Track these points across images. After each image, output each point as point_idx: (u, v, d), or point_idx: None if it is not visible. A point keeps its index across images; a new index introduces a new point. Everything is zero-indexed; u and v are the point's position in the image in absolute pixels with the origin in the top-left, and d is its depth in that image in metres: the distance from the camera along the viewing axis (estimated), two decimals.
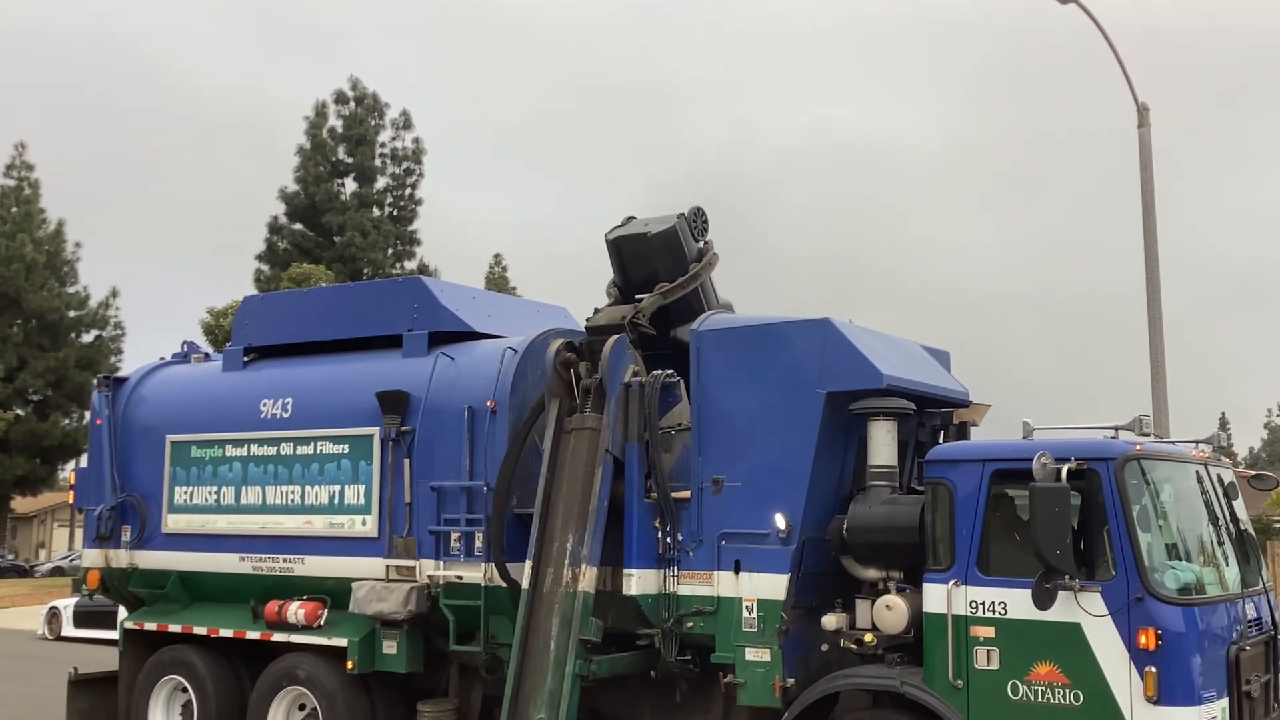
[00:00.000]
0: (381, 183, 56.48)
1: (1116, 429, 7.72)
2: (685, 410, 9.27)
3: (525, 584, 8.98)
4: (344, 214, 53.36)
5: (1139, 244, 19.14)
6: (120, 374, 12.14)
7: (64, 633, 25.19)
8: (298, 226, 54.24)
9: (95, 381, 12.11)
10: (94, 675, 11.72)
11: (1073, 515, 7.18)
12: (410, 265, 54.28)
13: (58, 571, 47.87)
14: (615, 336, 9.50)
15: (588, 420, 9.11)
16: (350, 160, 55.47)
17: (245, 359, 11.46)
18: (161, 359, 12.36)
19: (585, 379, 9.41)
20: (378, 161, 56.15)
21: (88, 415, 52.54)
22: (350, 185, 55.57)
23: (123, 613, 23.34)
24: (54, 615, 25.88)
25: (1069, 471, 7.15)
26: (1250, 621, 7.74)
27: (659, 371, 9.31)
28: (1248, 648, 7.54)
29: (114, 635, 22.77)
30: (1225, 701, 7.17)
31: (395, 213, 56.72)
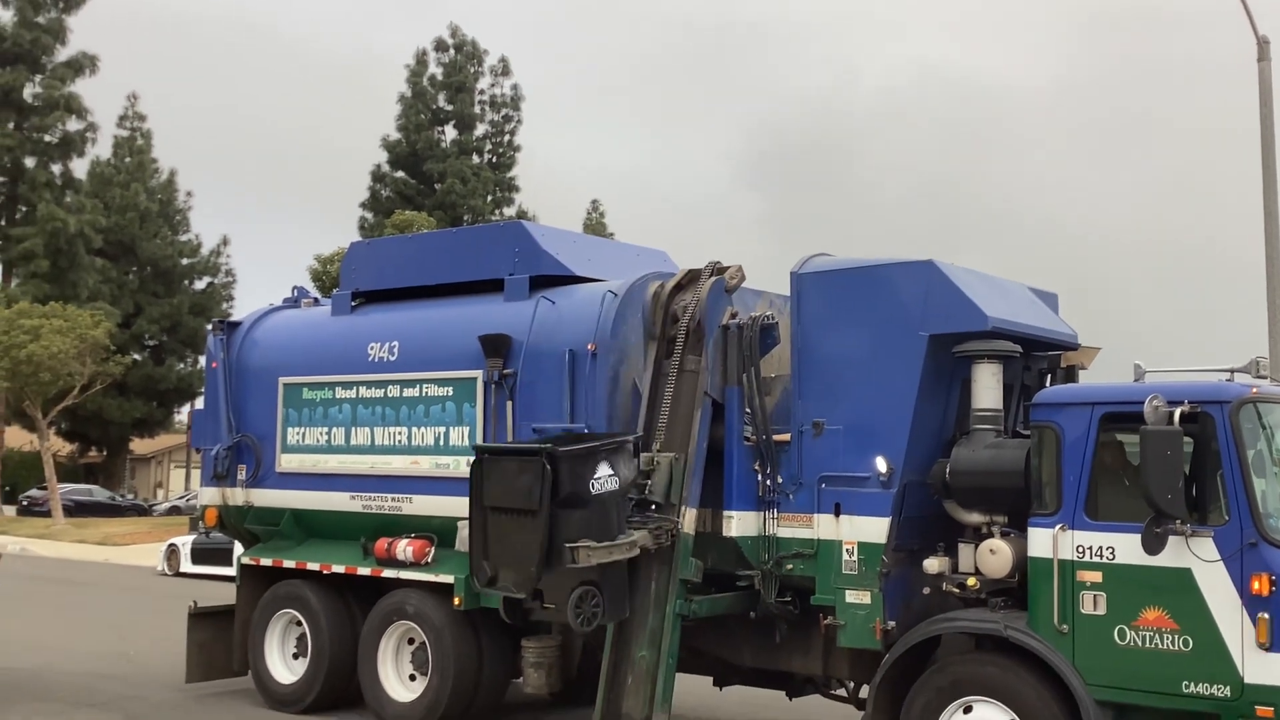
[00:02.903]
0: (481, 130, 56.93)
1: (1232, 371, 7.52)
2: (785, 353, 9.25)
3: None
4: (444, 161, 53.94)
5: (1257, 183, 18.49)
6: (234, 319, 12.47)
7: (182, 569, 26.03)
8: (400, 174, 55.00)
9: (210, 326, 12.47)
10: (212, 609, 12.13)
11: (1184, 459, 7.04)
12: (509, 212, 54.76)
13: (174, 511, 49.47)
14: (712, 279, 9.49)
15: (686, 362, 9.14)
16: (450, 108, 55.98)
17: (353, 303, 11.69)
18: (272, 304, 12.66)
19: (683, 321, 9.42)
20: (477, 108, 56.60)
21: (202, 360, 54.25)
22: (450, 132, 56.15)
23: (238, 549, 24.32)
24: (173, 552, 26.74)
25: (1182, 415, 7.00)
26: None
27: (758, 314, 9.29)
28: None
29: (229, 571, 23.78)
30: None
31: (494, 160, 57.18)
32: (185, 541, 26.57)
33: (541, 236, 10.71)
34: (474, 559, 7.91)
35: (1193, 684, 6.98)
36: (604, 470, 7.87)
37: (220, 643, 11.90)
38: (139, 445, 63.44)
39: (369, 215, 53.67)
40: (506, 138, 57.86)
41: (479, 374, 10.24)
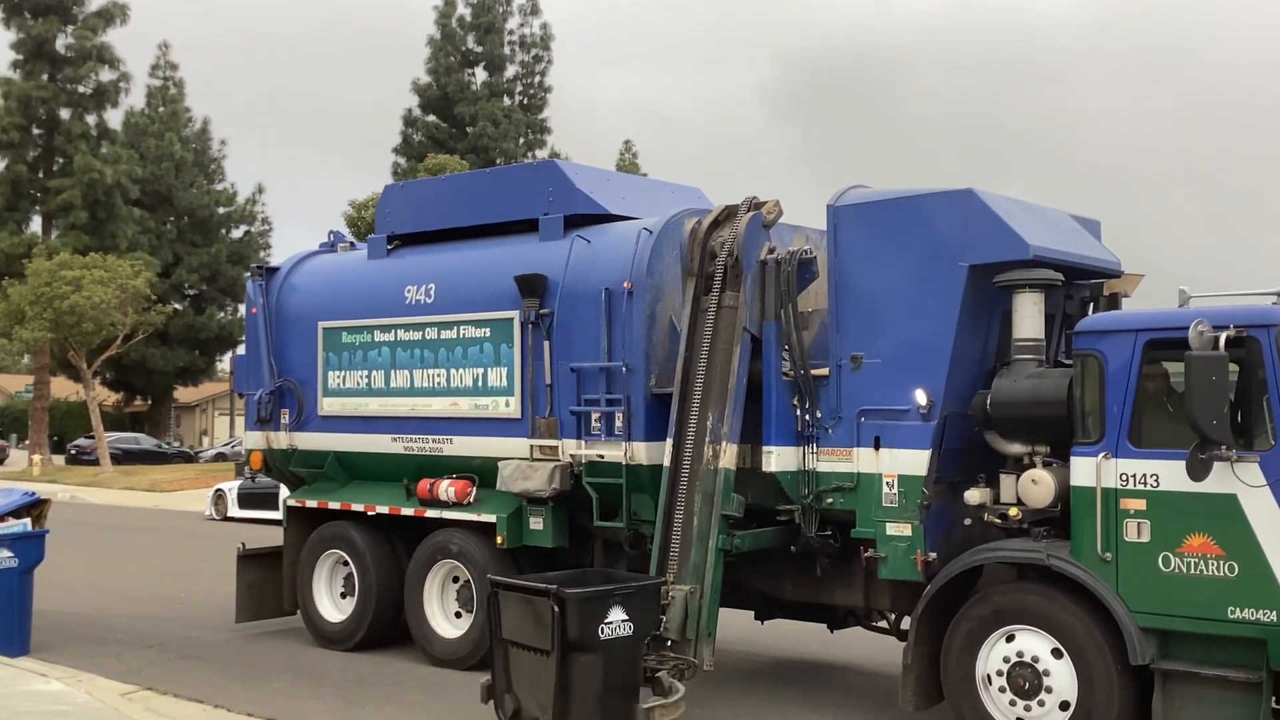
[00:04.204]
0: (511, 71, 56.60)
1: (1278, 294, 7.40)
2: (823, 287, 9.19)
3: (666, 461, 9.11)
4: (475, 104, 53.75)
5: None
6: (272, 265, 12.53)
7: (229, 514, 26.42)
8: (431, 118, 54.87)
9: (249, 271, 12.55)
10: (260, 550, 12.31)
11: (1230, 384, 6.95)
12: (541, 154, 54.54)
13: (220, 457, 50.20)
14: (749, 214, 9.42)
15: (725, 298, 9.10)
16: (479, 49, 55.64)
17: (389, 247, 11.71)
18: (310, 250, 12.70)
19: (721, 256, 9.38)
20: (506, 49, 56.23)
21: (242, 308, 54.72)
22: (480, 75, 55.85)
23: (284, 493, 24.65)
24: (220, 497, 27.12)
25: (1227, 339, 6.91)
26: None
27: (795, 248, 9.23)
28: None
29: (276, 515, 24.26)
30: None
31: (525, 101, 56.89)
32: (231, 487, 26.91)
33: (575, 175, 10.66)
34: (497, 692, 7.83)
35: (1238, 609, 6.95)
36: (617, 615, 7.64)
37: (269, 583, 12.11)
38: (183, 394, 64.26)
39: (402, 160, 53.67)
40: (537, 79, 57.53)
41: (515, 314, 10.25)
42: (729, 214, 9.59)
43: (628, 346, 9.62)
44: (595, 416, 9.79)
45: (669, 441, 9.13)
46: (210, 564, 17.29)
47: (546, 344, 10.09)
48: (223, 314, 57.29)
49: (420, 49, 55.68)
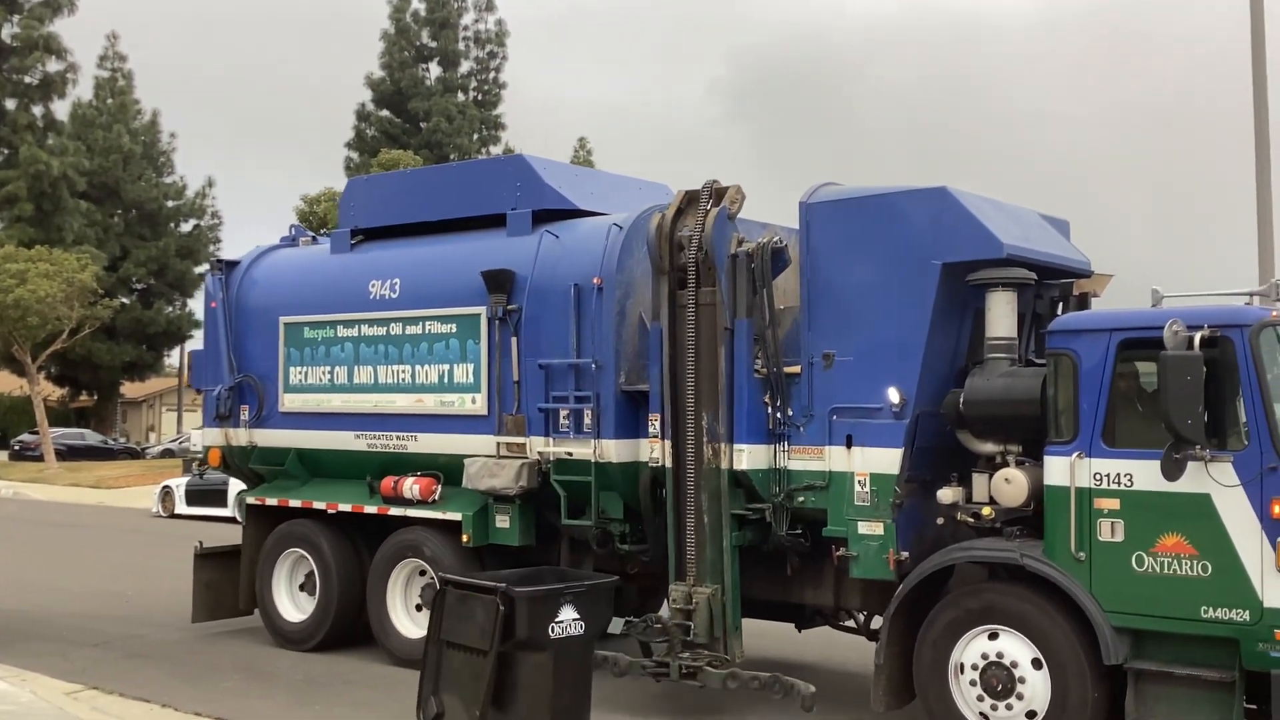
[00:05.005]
0: (465, 66, 56.32)
1: (1251, 295, 7.44)
2: (794, 285, 9.13)
3: (668, 463, 9.03)
4: (429, 99, 53.41)
5: (1249, 111, 18.26)
6: (232, 258, 12.31)
7: (176, 510, 26.15)
8: (385, 113, 54.46)
9: (209, 264, 12.32)
10: (218, 549, 12.09)
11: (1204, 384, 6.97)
12: (495, 150, 54.28)
13: (167, 454, 49.51)
14: (715, 209, 9.31)
15: (702, 295, 9.01)
16: (434, 44, 55.30)
17: (352, 241, 11.54)
18: (270, 244, 12.49)
19: (690, 251, 9.26)
20: (461, 45, 55.92)
21: (191, 303, 53.86)
22: (435, 70, 55.50)
23: (233, 490, 24.36)
24: (167, 494, 26.86)
25: (1201, 339, 6.94)
26: None
27: (765, 238, 9.11)
28: None
29: (224, 512, 24.13)
30: None
31: (480, 97, 56.62)
32: (179, 483, 26.71)
33: (544, 170, 10.56)
34: (422, 694, 7.73)
35: (1211, 609, 6.97)
36: (568, 614, 7.52)
37: (226, 582, 11.90)
38: (130, 389, 63.30)
39: (355, 155, 53.20)
40: (491, 74, 57.29)
41: (482, 310, 10.13)
42: (690, 200, 9.40)
43: (597, 343, 9.53)
44: (564, 413, 9.69)
45: (666, 442, 9.04)
46: (158, 561, 17.06)
47: (514, 340, 9.98)
48: (171, 309, 56.46)
49: (374, 43, 55.19)
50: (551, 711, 7.43)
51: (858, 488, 8.45)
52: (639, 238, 9.56)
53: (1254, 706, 7.09)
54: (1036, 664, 7.51)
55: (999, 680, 7.65)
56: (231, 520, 24.28)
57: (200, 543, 12.11)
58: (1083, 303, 9.01)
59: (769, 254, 8.91)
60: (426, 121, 53.38)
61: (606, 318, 9.49)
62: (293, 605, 11.40)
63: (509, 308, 9.99)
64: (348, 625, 11.03)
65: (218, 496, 24.93)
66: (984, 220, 8.18)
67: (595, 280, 9.53)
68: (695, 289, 9.03)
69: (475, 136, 54.90)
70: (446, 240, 10.83)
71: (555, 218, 10.28)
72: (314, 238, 12.50)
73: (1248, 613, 6.87)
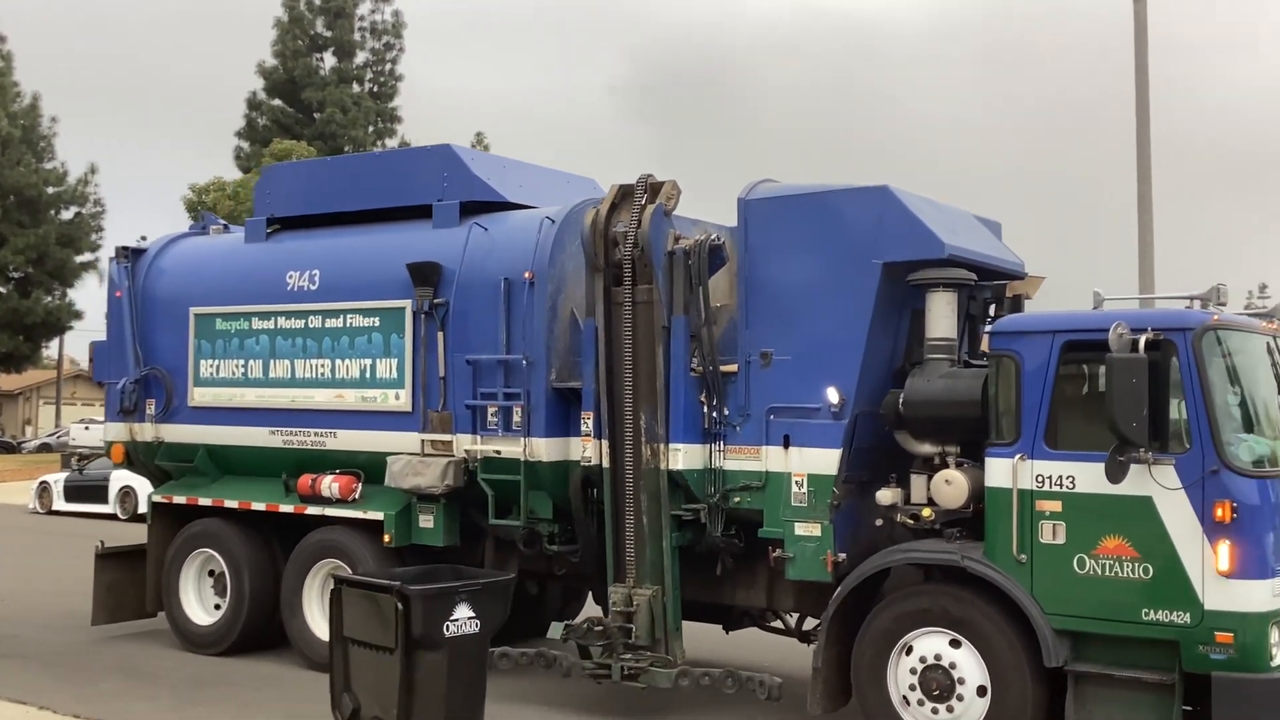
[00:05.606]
0: (361, 58, 55.25)
1: (1192, 298, 7.52)
2: (730, 283, 9.02)
3: (606, 463, 8.85)
4: (323, 90, 52.30)
5: (1132, 123, 18.67)
6: (138, 245, 11.78)
7: (55, 507, 25.47)
8: (277, 102, 53.21)
9: (114, 252, 11.77)
10: (121, 549, 11.61)
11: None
12: (391, 143, 53.38)
13: (45, 448, 47.85)
14: (652, 205, 9.15)
15: (639, 293, 8.84)
16: (329, 34, 54.17)
17: (268, 230, 11.14)
18: (171, 233, 12.02)
19: (626, 248, 9.09)
20: (357, 35, 54.89)
21: (70, 293, 51.88)
22: (329, 60, 54.40)
23: (114, 487, 23.58)
24: (44, 490, 26.20)
25: (1146, 342, 6.97)
26: None
27: (703, 235, 8.98)
28: None
29: (105, 509, 23.47)
30: None
31: (375, 89, 55.62)
32: (58, 479, 26.14)
33: (472, 161, 10.33)
34: (335, 691, 7.56)
35: (1153, 611, 7.02)
36: (463, 612, 7.42)
37: (128, 583, 11.43)
38: (5, 381, 60.91)
39: (245, 145, 51.88)
40: (388, 66, 56.31)
41: (408, 304, 9.85)
42: (625, 195, 9.22)
43: (528, 339, 9.31)
44: (492, 410, 9.45)
45: (604, 441, 8.85)
46: (35, 559, 16.39)
47: (440, 335, 9.71)
48: (50, 299, 54.29)
49: (266, 30, 53.88)
50: (446, 710, 7.36)
51: (795, 488, 8.37)
52: (572, 232, 9.36)
53: (1190, 708, 7.16)
54: (976, 666, 7.50)
55: (938, 683, 7.62)
56: (112, 517, 23.66)
57: (101, 542, 11.62)
58: (1016, 304, 9.03)
59: (707, 251, 8.79)
60: (320, 112, 52.30)
61: (538, 313, 9.28)
62: (202, 608, 10.99)
63: (435, 301, 9.72)
64: (261, 628, 10.64)
65: (98, 493, 24.44)
66: (925, 220, 8.16)
67: (527, 274, 9.31)
68: (632, 286, 8.86)
69: (370, 129, 53.93)
70: (369, 231, 10.50)
71: (483, 210, 10.04)
72: (226, 226, 12.04)
73: (1188, 615, 6.93)
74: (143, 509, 24.22)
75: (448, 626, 7.32)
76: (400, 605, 7.19)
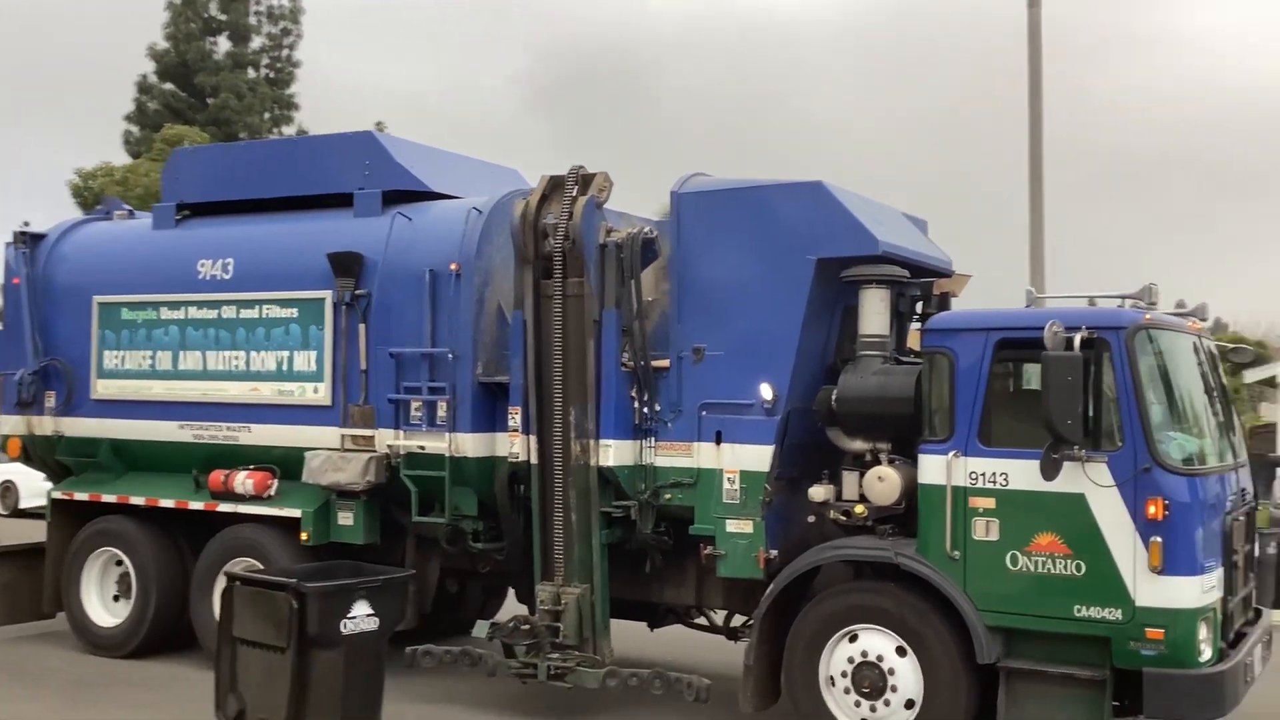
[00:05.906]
0: (257, 42, 53.88)
1: (1124, 297, 7.62)
2: (661, 277, 8.92)
3: (534, 459, 8.67)
4: (217, 74, 50.89)
5: (1025, 125, 18.94)
6: (37, 230, 11.26)
7: None
8: (168, 86, 51.65)
9: (11, 236, 11.23)
10: (17, 547, 11.12)
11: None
12: (288, 130, 52.22)
13: None
14: (584, 197, 9.01)
15: (570, 286, 8.68)
16: (224, 17, 52.81)
17: (177, 217, 10.72)
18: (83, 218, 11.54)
19: (556, 240, 8.93)
20: (253, 19, 53.60)
21: None
22: (224, 44, 53.06)
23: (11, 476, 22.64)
24: None
25: (1081, 340, 7.03)
26: (1238, 492, 7.83)
27: (634, 229, 8.87)
28: (1240, 518, 7.64)
29: None
30: (1221, 571, 7.25)
31: (272, 75, 54.35)
32: None
33: (394, 148, 10.06)
34: (220, 692, 7.36)
35: (1085, 608, 7.09)
36: (361, 609, 7.29)
37: (25, 584, 10.94)
38: None
39: (135, 129, 50.31)
40: (285, 52, 54.86)
41: (328, 294, 9.57)
42: (555, 185, 9.06)
43: (454, 332, 9.10)
44: (416, 405, 9.22)
45: (531, 438, 8.67)
46: None
47: (362, 327, 9.45)
48: None
49: (158, 12, 52.32)
50: (343, 709, 7.23)
51: (727, 485, 8.31)
52: (500, 223, 9.17)
53: (1118, 703, 7.26)
54: (902, 653, 7.54)
55: (870, 680, 7.63)
56: None
57: None
58: (943, 303, 9.07)
59: (639, 245, 8.67)
60: (214, 97, 50.83)
61: (464, 305, 9.08)
62: (105, 609, 10.56)
63: (357, 292, 9.46)
64: (169, 629, 10.27)
65: None
66: (859, 216, 8.15)
67: (453, 266, 9.10)
68: (563, 279, 8.71)
69: (267, 115, 52.69)
70: (287, 219, 10.17)
71: (406, 199, 9.78)
72: (131, 212, 11.57)
73: (1120, 611, 7.01)
74: (25, 503, 23.82)
75: (345, 624, 7.20)
76: (295, 603, 7.05)
